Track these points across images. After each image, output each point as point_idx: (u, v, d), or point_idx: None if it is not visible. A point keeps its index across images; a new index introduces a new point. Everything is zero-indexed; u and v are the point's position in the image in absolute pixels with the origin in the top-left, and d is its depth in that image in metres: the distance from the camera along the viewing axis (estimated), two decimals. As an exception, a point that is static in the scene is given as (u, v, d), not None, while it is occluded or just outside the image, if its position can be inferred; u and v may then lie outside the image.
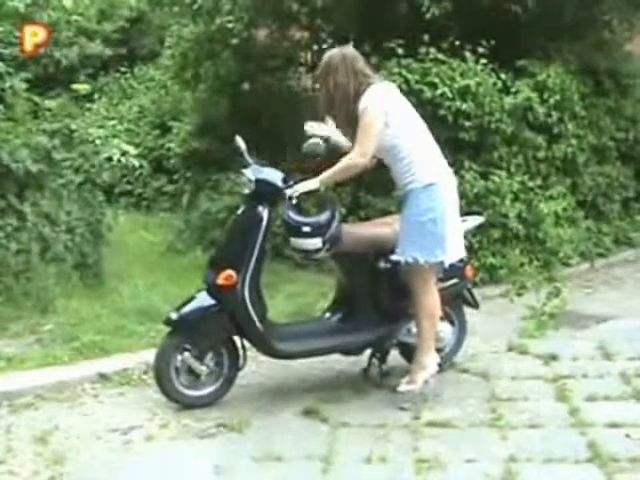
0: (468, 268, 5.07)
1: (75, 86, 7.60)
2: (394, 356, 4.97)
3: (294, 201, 4.51)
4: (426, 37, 7.22)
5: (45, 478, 3.82)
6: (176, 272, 7.06)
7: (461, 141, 7.09)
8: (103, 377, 4.96)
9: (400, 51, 7.12)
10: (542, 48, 7.95)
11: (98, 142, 6.89)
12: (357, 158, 4.42)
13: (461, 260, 4.78)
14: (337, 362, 5.07)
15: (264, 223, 4.52)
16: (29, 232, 6.18)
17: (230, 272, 4.46)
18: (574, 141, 7.88)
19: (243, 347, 4.65)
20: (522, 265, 7.20)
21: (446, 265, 4.56)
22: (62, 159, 6.54)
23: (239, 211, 4.71)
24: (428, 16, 7.27)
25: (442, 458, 3.92)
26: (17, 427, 4.34)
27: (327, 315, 4.90)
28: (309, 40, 8.71)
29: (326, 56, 4.62)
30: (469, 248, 6.25)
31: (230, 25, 7.71)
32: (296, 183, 4.55)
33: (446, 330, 4.96)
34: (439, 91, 6.98)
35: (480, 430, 4.28)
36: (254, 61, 8.51)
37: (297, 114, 8.16)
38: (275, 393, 4.82)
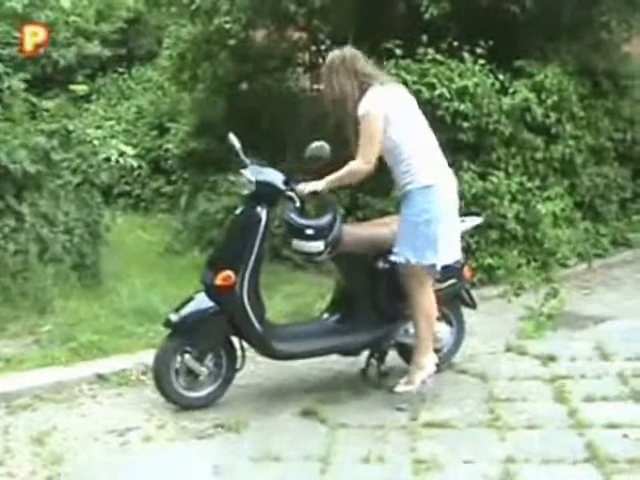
0: (466, 269, 5.09)
1: (73, 87, 7.57)
2: (392, 357, 4.97)
3: (297, 203, 4.51)
4: (424, 38, 7.22)
5: (43, 479, 3.82)
6: (174, 272, 7.06)
7: (459, 142, 7.09)
8: (101, 378, 4.96)
9: (398, 52, 7.12)
10: (540, 49, 7.95)
11: (96, 143, 6.88)
12: (362, 165, 4.47)
13: (458, 261, 4.79)
14: (335, 363, 5.07)
15: (263, 223, 4.52)
16: (27, 233, 6.17)
17: (228, 272, 4.45)
18: (572, 142, 7.88)
19: (242, 348, 4.65)
20: (520, 266, 7.20)
21: (438, 268, 4.57)
22: (60, 160, 6.54)
23: (238, 211, 4.70)
24: (426, 17, 7.27)
25: (440, 459, 3.92)
26: (15, 428, 4.34)
27: (325, 316, 4.91)
28: (307, 41, 8.72)
29: (329, 56, 4.68)
30: (467, 249, 6.27)
31: (228, 26, 7.70)
32: (297, 184, 4.56)
33: (444, 331, 4.96)
34: (437, 92, 6.99)
35: (478, 431, 4.28)
36: (252, 62, 8.52)
37: (295, 114, 8.21)
38: (273, 394, 4.81)
